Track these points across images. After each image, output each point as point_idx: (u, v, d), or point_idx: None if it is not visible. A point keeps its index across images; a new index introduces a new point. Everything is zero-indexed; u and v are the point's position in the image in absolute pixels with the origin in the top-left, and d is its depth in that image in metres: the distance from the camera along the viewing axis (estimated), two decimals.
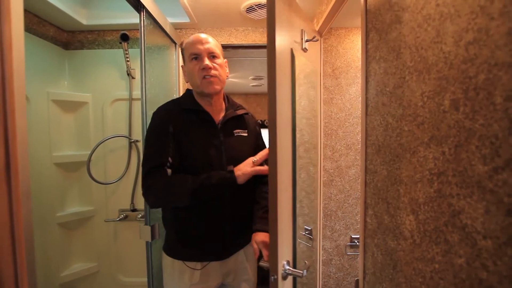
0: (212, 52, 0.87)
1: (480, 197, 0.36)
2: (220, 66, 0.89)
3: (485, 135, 0.35)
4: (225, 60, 0.95)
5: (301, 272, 0.72)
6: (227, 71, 0.95)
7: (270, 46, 0.64)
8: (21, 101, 0.46)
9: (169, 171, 0.83)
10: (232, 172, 0.86)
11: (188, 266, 0.88)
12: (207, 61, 0.85)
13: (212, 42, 0.89)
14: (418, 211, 0.50)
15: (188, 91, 0.97)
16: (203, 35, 0.89)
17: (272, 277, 0.66)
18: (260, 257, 0.87)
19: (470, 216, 0.38)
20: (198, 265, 0.89)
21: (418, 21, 0.50)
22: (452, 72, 0.41)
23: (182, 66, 0.94)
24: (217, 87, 0.89)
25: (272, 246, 0.66)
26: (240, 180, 0.86)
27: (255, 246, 0.89)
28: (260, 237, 0.91)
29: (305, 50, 1.00)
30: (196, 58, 0.87)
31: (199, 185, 0.81)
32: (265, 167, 0.88)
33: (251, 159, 0.90)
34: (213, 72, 0.86)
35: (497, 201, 0.33)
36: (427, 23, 0.47)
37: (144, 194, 0.85)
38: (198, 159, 0.87)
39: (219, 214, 0.89)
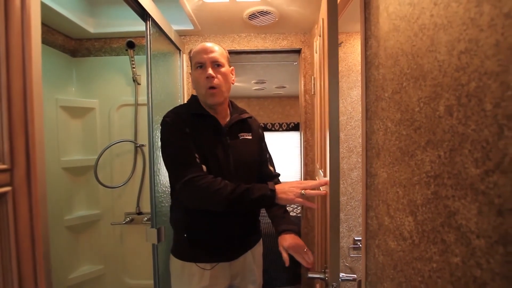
0: (216, 61, 0.89)
1: (473, 199, 0.38)
2: (224, 75, 0.91)
3: (476, 140, 0.37)
4: (232, 67, 0.97)
5: (354, 276, 0.73)
6: (233, 78, 0.98)
7: (332, 51, 0.64)
8: (39, 112, 0.49)
9: (204, 167, 0.84)
10: (273, 191, 0.80)
11: (198, 267, 0.90)
12: (210, 71, 0.87)
13: (217, 51, 0.90)
14: (417, 212, 0.51)
15: (194, 97, 1.00)
16: (209, 44, 0.91)
17: (332, 285, 0.68)
18: (293, 265, 0.85)
19: (464, 217, 0.39)
20: (207, 265, 0.91)
21: (414, 30, 0.52)
22: (446, 80, 0.43)
23: (190, 74, 0.98)
24: (220, 99, 0.91)
25: (334, 255, 0.69)
26: (281, 202, 0.81)
27: (285, 254, 0.85)
28: (288, 241, 0.87)
29: None
30: (201, 67, 0.89)
31: (237, 196, 0.79)
32: (312, 204, 0.84)
33: (298, 185, 0.81)
34: (215, 81, 0.88)
35: (488, 202, 0.35)
36: (422, 32, 0.49)
37: (180, 189, 0.83)
38: (208, 161, 0.89)
39: (229, 215, 0.91)
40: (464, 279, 0.39)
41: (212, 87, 0.88)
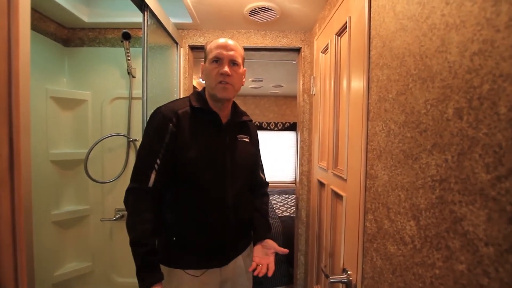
0: (234, 60, 0.88)
1: (482, 205, 0.37)
2: (238, 75, 0.90)
3: (488, 144, 0.36)
4: (245, 69, 0.95)
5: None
6: (244, 79, 0.96)
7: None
8: (25, 100, 0.45)
9: (152, 177, 0.82)
10: (149, 284, 0.78)
11: (188, 274, 0.86)
12: (226, 68, 0.86)
13: (237, 50, 0.89)
14: (419, 217, 0.50)
15: (197, 92, 0.97)
16: (230, 42, 0.89)
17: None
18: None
19: (472, 223, 0.38)
20: (197, 272, 0.87)
21: (423, 30, 0.51)
22: (456, 82, 0.42)
23: (202, 65, 0.94)
24: (230, 94, 0.89)
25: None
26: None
27: (272, 261, 0.91)
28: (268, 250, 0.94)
29: None
30: (217, 62, 0.87)
31: (131, 243, 0.80)
32: None
33: None
34: (229, 79, 0.87)
35: (499, 209, 0.34)
36: (432, 33, 0.48)
37: (126, 191, 0.85)
38: (202, 157, 0.86)
39: (222, 219, 0.88)
40: (470, 287, 0.38)
41: (225, 82, 0.86)
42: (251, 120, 1.07)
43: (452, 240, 0.42)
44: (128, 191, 0.83)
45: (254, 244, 0.97)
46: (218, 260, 0.89)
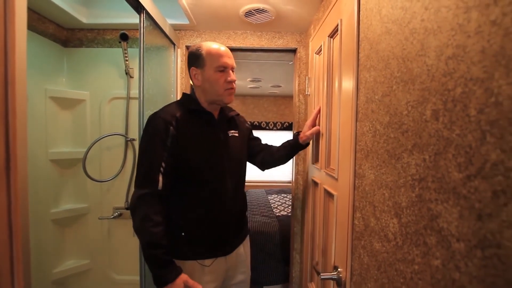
0: (234, 66, 0.96)
1: (455, 202, 0.38)
2: None
3: (460, 145, 0.38)
4: None
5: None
6: None
7: None
8: (22, 100, 0.47)
9: (160, 180, 0.85)
10: (175, 276, 0.82)
11: (199, 264, 0.92)
12: (233, 76, 0.94)
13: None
14: (401, 215, 0.52)
15: (188, 95, 1.02)
16: (228, 49, 0.95)
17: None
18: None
19: (446, 220, 0.40)
20: (207, 262, 0.93)
21: (405, 34, 0.52)
22: (434, 84, 0.43)
23: (193, 69, 0.94)
24: (233, 98, 0.98)
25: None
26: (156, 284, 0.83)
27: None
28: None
29: None
30: (222, 71, 0.92)
31: (145, 248, 0.81)
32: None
33: None
34: (234, 84, 0.96)
35: (469, 206, 0.36)
36: (413, 37, 0.50)
37: (134, 197, 0.85)
38: (203, 155, 0.92)
39: (225, 211, 0.95)
40: (444, 281, 0.40)
41: (232, 88, 0.95)
42: (238, 114, 1.13)
43: (429, 236, 0.44)
44: (139, 197, 0.84)
45: (298, 140, 1.14)
46: (224, 249, 0.97)
